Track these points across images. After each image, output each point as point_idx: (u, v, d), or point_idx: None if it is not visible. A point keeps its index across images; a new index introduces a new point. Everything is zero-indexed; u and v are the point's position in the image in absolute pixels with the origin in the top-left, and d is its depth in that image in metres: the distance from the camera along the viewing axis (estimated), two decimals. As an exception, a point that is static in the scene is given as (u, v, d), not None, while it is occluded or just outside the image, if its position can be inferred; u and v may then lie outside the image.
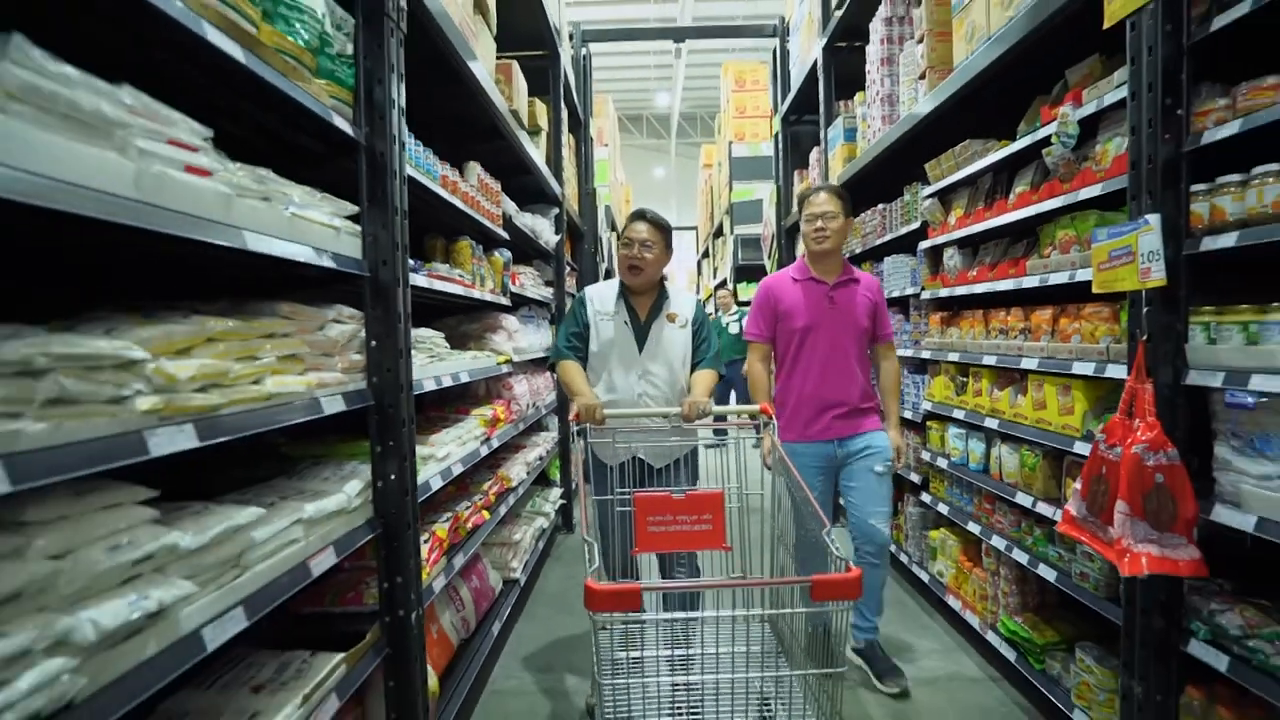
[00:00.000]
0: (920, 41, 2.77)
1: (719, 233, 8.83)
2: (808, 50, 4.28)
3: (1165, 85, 1.49)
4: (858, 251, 3.75)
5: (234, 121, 1.36)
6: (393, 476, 1.54)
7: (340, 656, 1.37)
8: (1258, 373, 1.32)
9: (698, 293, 12.44)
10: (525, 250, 3.68)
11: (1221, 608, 1.47)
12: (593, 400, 1.97)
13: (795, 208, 4.79)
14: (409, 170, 1.66)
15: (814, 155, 4.44)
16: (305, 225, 1.26)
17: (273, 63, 1.16)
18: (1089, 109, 1.82)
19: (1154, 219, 1.48)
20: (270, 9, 1.17)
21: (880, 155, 3.20)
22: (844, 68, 3.95)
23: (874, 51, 3.22)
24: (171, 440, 0.90)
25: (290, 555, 1.19)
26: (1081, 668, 1.89)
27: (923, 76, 2.75)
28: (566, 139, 4.32)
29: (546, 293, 3.87)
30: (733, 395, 6.78)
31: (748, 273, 7.27)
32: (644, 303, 2.23)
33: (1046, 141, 1.96)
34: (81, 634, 0.76)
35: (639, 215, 2.21)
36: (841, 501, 2.43)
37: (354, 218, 1.47)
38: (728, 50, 13.07)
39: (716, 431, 2.15)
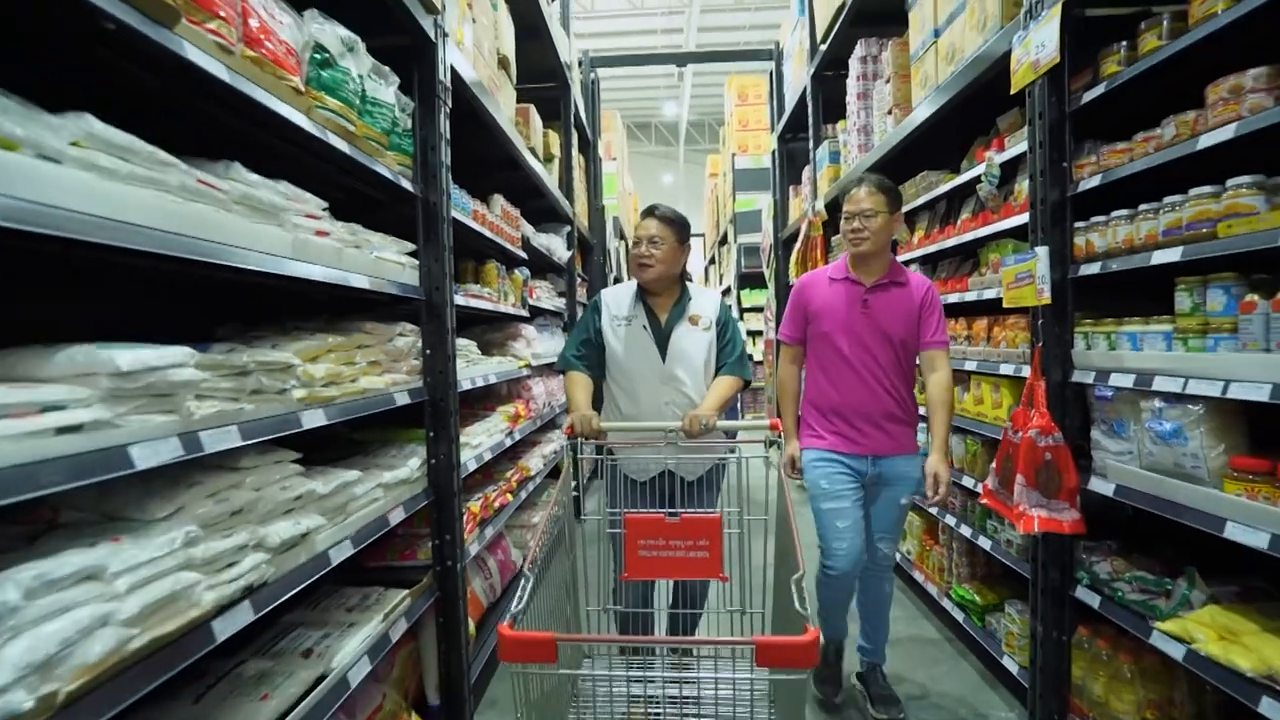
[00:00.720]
0: (888, 81, 3.20)
1: (724, 241, 9.26)
2: (799, 77, 4.71)
3: (1052, 143, 1.92)
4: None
5: (320, 181, 1.82)
6: (443, 456, 1.99)
7: (406, 592, 1.82)
8: (1115, 372, 1.74)
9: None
10: (541, 265, 4.14)
11: (1099, 559, 1.88)
12: (587, 412, 1.95)
13: (797, 213, 5.18)
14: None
15: (806, 173, 4.86)
16: (383, 264, 1.71)
17: (362, 148, 1.62)
18: (1010, 154, 2.25)
19: (1042, 251, 1.90)
20: (361, 108, 1.63)
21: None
22: (832, 92, 4.36)
23: (851, 86, 3.65)
24: (311, 419, 1.36)
25: (376, 508, 1.65)
26: (1008, 620, 2.30)
27: (890, 112, 3.18)
28: (576, 159, 4.78)
29: (559, 303, 4.33)
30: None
31: (750, 280, 7.70)
32: (664, 304, 2.12)
33: (980, 178, 2.38)
34: (270, 541, 1.22)
35: (648, 211, 2.13)
36: None
37: (412, 253, 1.93)
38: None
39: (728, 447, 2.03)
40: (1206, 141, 1.43)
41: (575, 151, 4.69)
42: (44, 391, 0.84)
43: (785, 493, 1.59)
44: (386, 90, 1.74)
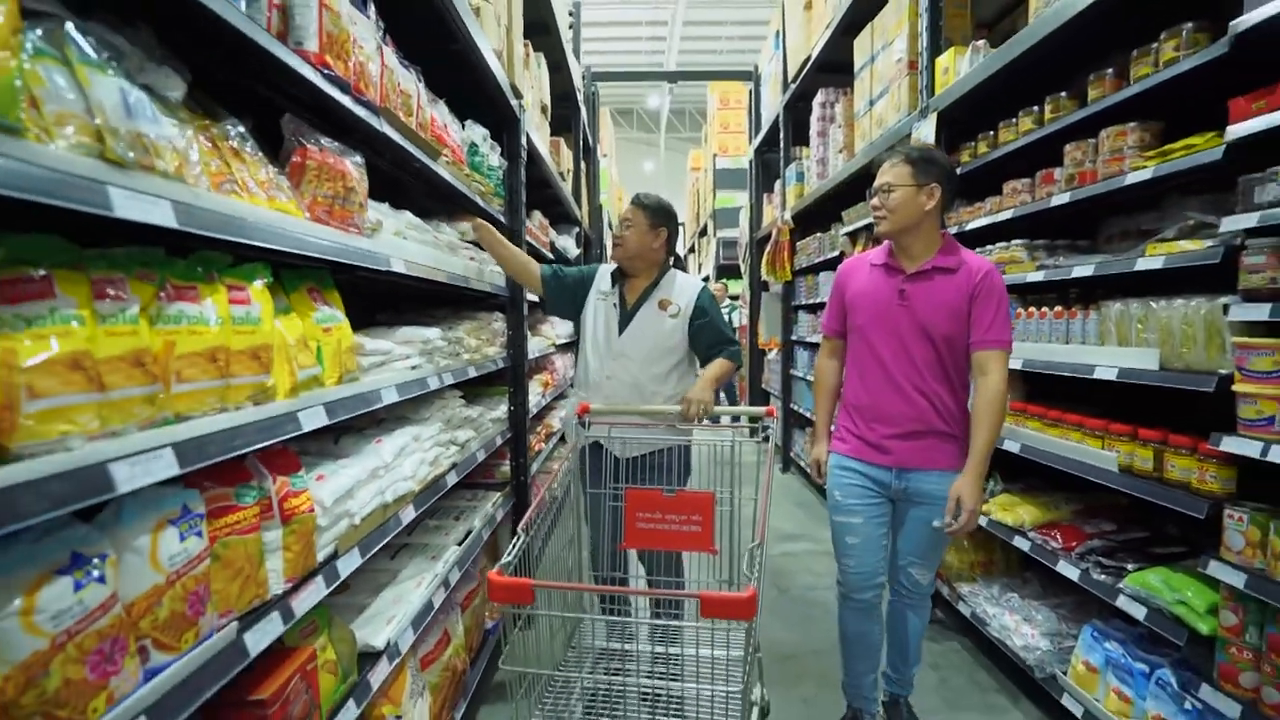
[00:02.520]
0: (840, 127, 4.24)
1: (704, 233, 10.28)
2: (773, 102, 5.72)
3: (933, 201, 2.97)
4: (802, 267, 5.24)
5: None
6: (519, 404, 2.99)
7: (498, 493, 2.83)
8: (962, 353, 2.82)
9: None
10: (559, 262, 5.10)
11: (954, 475, 2.98)
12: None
13: (768, 223, 6.21)
14: (521, 233, 3.09)
15: (778, 184, 5.90)
16: (491, 273, 2.69)
17: (486, 199, 2.59)
18: (913, 200, 3.30)
19: (923, 272, 2.97)
20: (487, 174, 2.59)
21: (817, 199, 4.68)
22: (802, 115, 5.39)
23: (813, 125, 4.69)
24: (472, 372, 2.34)
25: (490, 432, 2.65)
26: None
27: (841, 151, 4.23)
28: (581, 165, 5.73)
29: (569, 292, 5.31)
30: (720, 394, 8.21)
31: (727, 271, 8.76)
32: (636, 286, 2.29)
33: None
34: (459, 439, 2.21)
35: (632, 199, 2.30)
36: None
37: (501, 264, 2.90)
38: (718, 51, 14.44)
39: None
40: (1001, 217, 2.51)
41: (580, 159, 5.64)
42: (401, 349, 1.82)
43: (768, 478, 1.65)
44: (495, 157, 2.70)
